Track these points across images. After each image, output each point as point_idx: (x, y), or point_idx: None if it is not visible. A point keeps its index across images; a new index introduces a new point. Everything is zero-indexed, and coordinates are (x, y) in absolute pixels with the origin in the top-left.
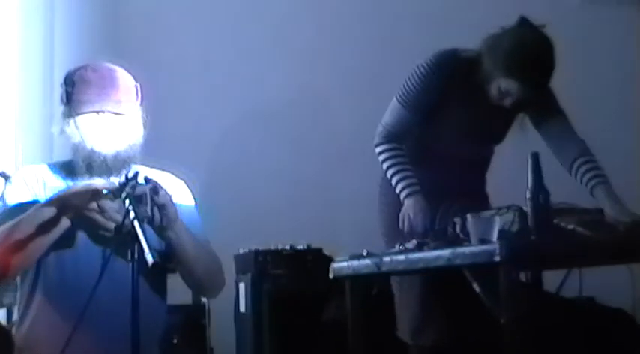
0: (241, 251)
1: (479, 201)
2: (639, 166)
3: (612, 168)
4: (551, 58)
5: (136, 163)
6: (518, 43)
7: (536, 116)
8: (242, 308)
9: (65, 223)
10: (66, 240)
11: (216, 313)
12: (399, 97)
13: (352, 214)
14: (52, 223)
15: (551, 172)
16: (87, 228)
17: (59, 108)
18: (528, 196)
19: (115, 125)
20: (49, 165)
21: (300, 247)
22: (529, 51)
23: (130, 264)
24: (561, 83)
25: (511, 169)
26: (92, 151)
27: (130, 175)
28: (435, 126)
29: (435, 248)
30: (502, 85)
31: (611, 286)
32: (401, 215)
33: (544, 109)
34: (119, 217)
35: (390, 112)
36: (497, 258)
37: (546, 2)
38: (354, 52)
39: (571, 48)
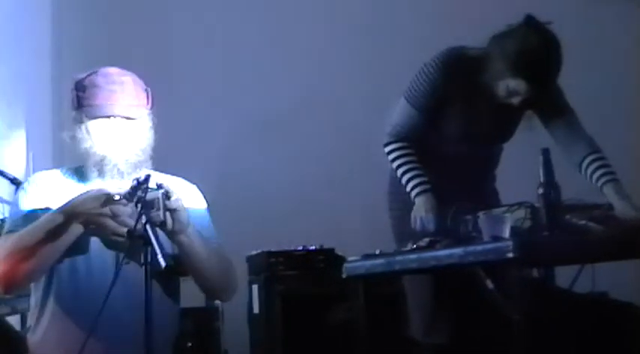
0: (253, 253)
1: (489, 198)
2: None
3: (615, 165)
4: (559, 56)
5: (147, 168)
6: (526, 43)
7: (544, 114)
8: (255, 310)
9: (77, 229)
10: (79, 246)
11: (230, 315)
12: (407, 96)
13: (363, 215)
14: (65, 229)
15: (561, 167)
16: (99, 233)
17: (69, 114)
18: (540, 192)
19: (126, 130)
20: (61, 170)
21: (312, 247)
22: (537, 51)
23: (143, 268)
24: (564, 81)
25: (520, 165)
26: (103, 156)
27: (142, 178)
28: (443, 124)
29: (447, 246)
30: (510, 85)
31: (625, 281)
32: (412, 214)
33: (552, 107)
34: (131, 222)
35: (398, 111)
36: (509, 255)
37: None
38: (360, 53)
39: (574, 45)
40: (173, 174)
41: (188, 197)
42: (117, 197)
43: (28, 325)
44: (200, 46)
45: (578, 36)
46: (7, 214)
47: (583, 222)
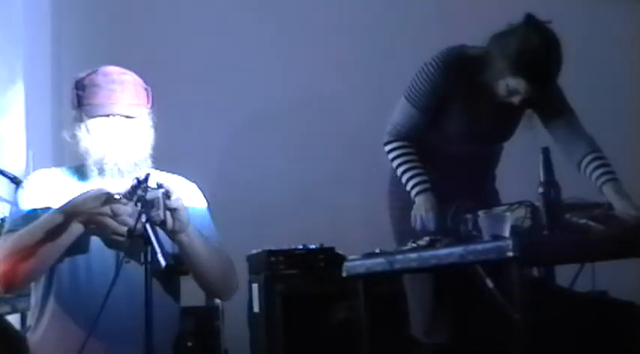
0: (254, 252)
1: (489, 197)
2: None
3: (615, 165)
4: (559, 55)
5: (147, 167)
6: (527, 43)
7: (544, 113)
8: (255, 309)
9: (78, 228)
10: (79, 245)
11: (230, 314)
12: (407, 95)
13: (363, 214)
14: (65, 229)
15: (561, 166)
16: (100, 233)
17: (69, 113)
18: (540, 191)
19: (126, 129)
20: (61, 169)
21: (312, 246)
22: (537, 50)
23: (143, 267)
24: (564, 81)
25: (520, 164)
26: (103, 155)
27: (142, 177)
28: (444, 124)
29: (448, 245)
30: (510, 84)
31: (625, 280)
32: (412, 213)
33: (552, 106)
34: (132, 221)
35: (399, 110)
36: (509, 254)
37: None
38: (360, 52)
39: (574, 45)
40: (173, 172)
41: (188, 196)
42: (117, 196)
43: (28, 324)
44: (200, 44)
45: (578, 35)
46: (6, 213)
47: (583, 221)
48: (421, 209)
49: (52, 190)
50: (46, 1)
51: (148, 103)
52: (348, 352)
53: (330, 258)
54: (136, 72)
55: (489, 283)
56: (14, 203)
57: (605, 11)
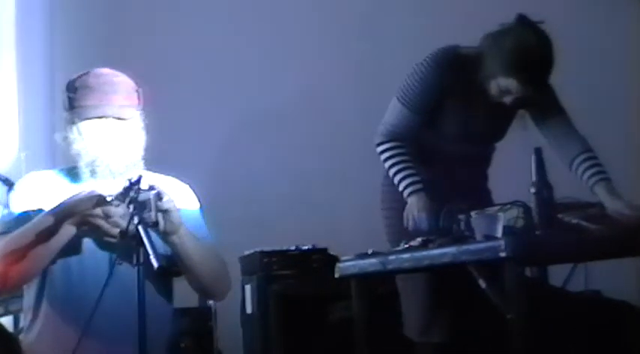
0: (247, 253)
1: (482, 197)
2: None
3: (614, 165)
4: (551, 56)
5: (139, 168)
6: (519, 43)
7: (536, 114)
8: (248, 310)
9: (70, 230)
10: (72, 247)
11: (223, 315)
12: (399, 96)
13: (358, 215)
14: (57, 231)
15: (557, 166)
16: (92, 235)
17: (61, 115)
18: (533, 191)
19: (118, 130)
20: (54, 171)
21: (305, 247)
22: (529, 51)
23: (136, 269)
24: (563, 81)
25: (513, 164)
26: (95, 157)
27: (134, 179)
28: (436, 124)
29: (441, 246)
30: (502, 84)
31: (618, 280)
32: (405, 213)
33: (544, 106)
34: (124, 223)
35: (390, 111)
36: (502, 254)
37: None
38: (358, 53)
39: (573, 45)
40: (168, 173)
41: (180, 198)
42: (109, 198)
43: (20, 326)
44: (194, 44)
45: (578, 35)
46: None
47: (576, 221)
48: (414, 209)
49: (44, 192)
50: (39, 1)
51: (139, 104)
52: (343, 353)
53: (323, 259)
54: (130, 73)
55: (482, 284)
56: (6, 205)
57: (605, 11)
